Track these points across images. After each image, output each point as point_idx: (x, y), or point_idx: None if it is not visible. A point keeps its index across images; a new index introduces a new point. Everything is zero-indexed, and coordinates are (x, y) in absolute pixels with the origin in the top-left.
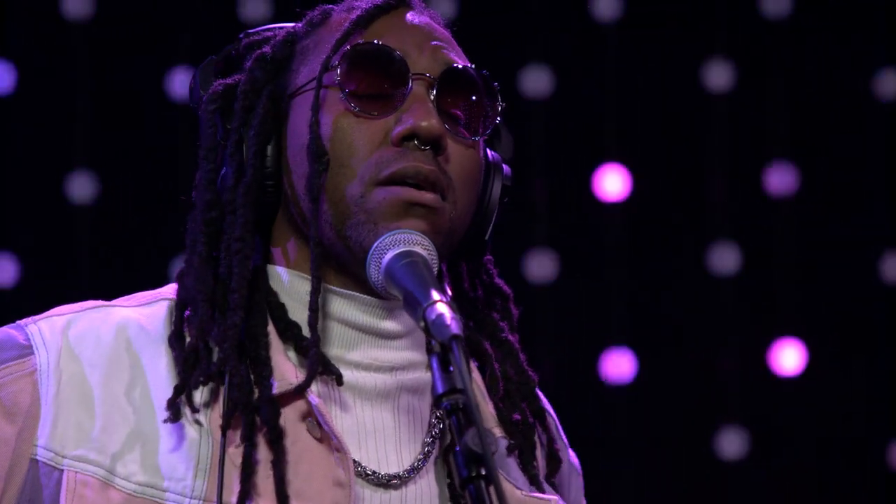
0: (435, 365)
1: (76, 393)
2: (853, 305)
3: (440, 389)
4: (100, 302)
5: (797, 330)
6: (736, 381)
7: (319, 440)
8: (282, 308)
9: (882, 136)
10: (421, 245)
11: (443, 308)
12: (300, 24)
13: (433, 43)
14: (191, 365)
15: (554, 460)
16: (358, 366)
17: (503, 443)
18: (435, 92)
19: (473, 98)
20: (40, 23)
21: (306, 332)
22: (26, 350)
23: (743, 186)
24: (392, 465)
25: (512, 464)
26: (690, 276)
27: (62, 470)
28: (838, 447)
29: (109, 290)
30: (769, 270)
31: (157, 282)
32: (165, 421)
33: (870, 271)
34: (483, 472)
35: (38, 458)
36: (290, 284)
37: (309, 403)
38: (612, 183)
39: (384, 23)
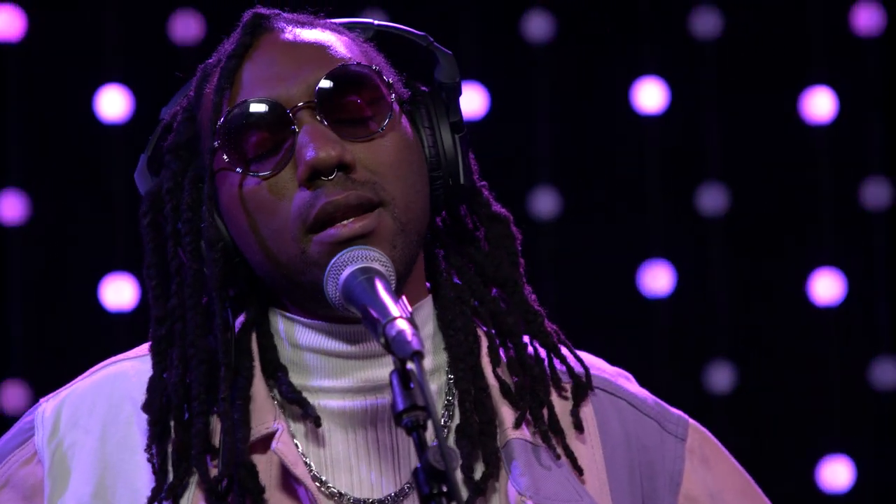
0: (395, 381)
1: (70, 462)
2: (784, 326)
3: (400, 406)
4: (111, 360)
5: (728, 350)
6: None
7: (298, 478)
8: (273, 351)
9: (813, 157)
10: (378, 261)
11: (402, 324)
12: (192, 90)
13: (301, 64)
14: (162, 478)
15: (580, 388)
16: (348, 391)
17: (518, 444)
18: (319, 113)
19: (363, 91)
20: None
21: (293, 371)
22: (28, 433)
23: (674, 207)
24: (389, 484)
25: (521, 465)
26: (623, 296)
27: None
28: (770, 467)
29: (43, 311)
30: (701, 291)
31: (88, 304)
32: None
33: (800, 292)
34: (444, 490)
35: None
36: (276, 325)
37: (284, 445)
38: (544, 203)
39: (247, 68)
